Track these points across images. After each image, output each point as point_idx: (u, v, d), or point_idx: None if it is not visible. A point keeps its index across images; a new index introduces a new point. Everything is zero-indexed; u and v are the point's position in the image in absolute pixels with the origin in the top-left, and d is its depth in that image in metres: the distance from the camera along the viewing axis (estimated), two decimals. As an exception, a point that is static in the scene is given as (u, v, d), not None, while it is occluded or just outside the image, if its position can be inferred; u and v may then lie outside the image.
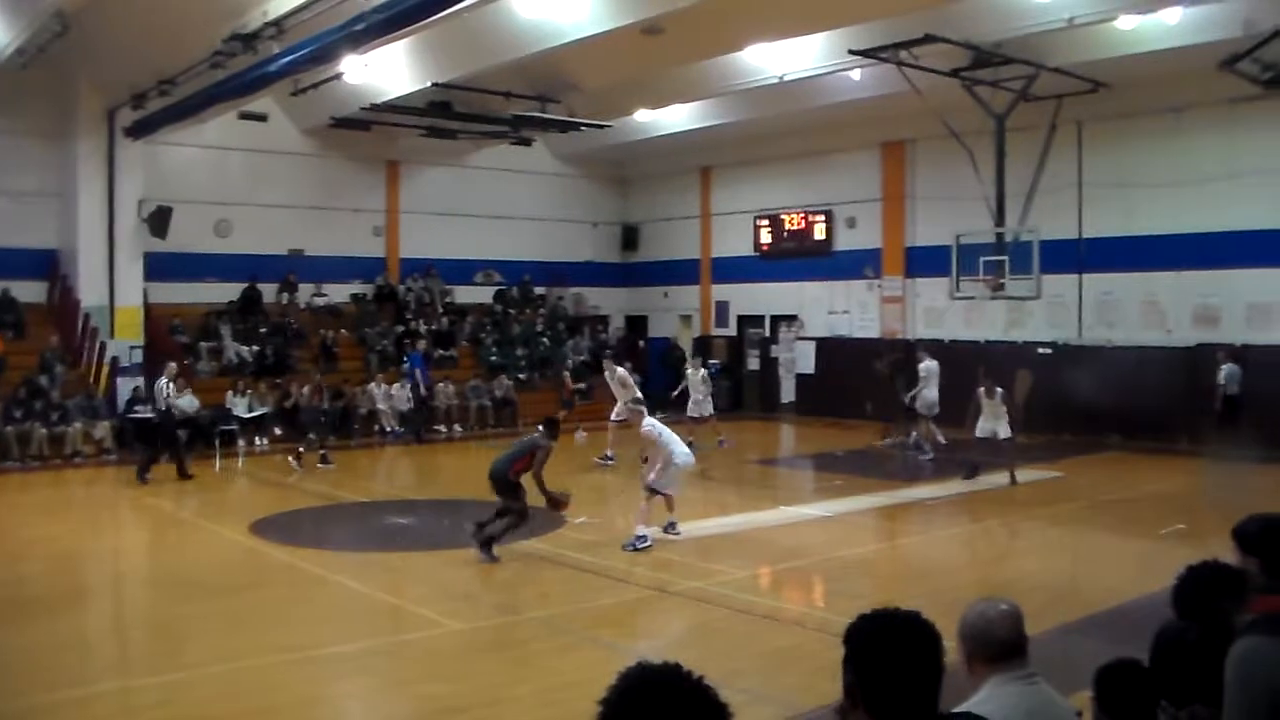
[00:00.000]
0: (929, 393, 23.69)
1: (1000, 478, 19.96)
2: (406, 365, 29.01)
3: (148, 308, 27.24)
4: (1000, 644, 3.89)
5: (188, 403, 22.69)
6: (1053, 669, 4.26)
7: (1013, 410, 20.12)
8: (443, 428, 28.59)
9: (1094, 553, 15.54)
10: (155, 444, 21.31)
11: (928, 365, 23.95)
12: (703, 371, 25.42)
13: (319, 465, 22.24)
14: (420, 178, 33.66)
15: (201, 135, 28.10)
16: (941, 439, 23.71)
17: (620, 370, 23.47)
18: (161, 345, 26.94)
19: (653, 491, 14.97)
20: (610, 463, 22.06)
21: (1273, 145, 23.57)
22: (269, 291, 30.45)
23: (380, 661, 10.12)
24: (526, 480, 14.28)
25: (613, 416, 22.60)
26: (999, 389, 20.06)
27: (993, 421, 19.90)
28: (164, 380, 21.60)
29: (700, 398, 24.77)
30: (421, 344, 30.40)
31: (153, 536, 17.04)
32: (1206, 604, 4.69)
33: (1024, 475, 20.35)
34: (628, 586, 12.84)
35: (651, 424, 15.49)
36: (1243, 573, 4.88)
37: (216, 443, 25.10)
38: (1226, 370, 23.05)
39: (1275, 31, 14.54)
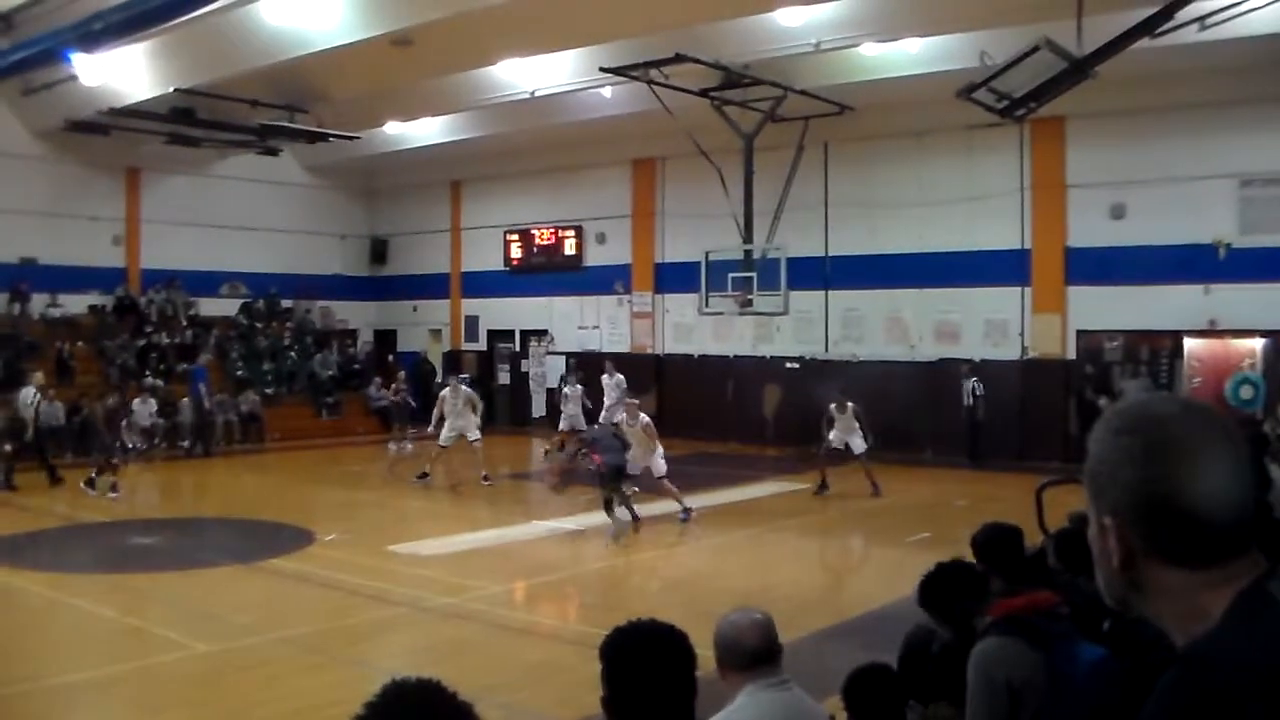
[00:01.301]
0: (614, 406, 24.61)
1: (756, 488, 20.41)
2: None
3: None
4: (750, 653, 3.98)
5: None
6: (807, 675, 4.37)
7: (864, 422, 20.34)
8: (186, 443, 27.68)
9: (845, 561, 16.04)
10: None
11: (618, 379, 24.86)
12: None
13: (110, 494, 20.22)
14: (163, 186, 32.55)
15: (-80, 134, 26.56)
16: None
17: (466, 389, 22.76)
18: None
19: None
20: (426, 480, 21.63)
21: (1008, 170, 24.83)
22: (-3, 302, 29.02)
23: (122, 688, 9.70)
24: None
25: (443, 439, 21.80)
26: (850, 403, 20.36)
27: (845, 434, 20.23)
28: (31, 389, 22.38)
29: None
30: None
31: None
32: (949, 600, 4.92)
33: (775, 487, 20.86)
34: (380, 604, 12.67)
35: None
36: (985, 574, 5.13)
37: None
38: (975, 383, 24.19)
39: (1008, 64, 15.17)
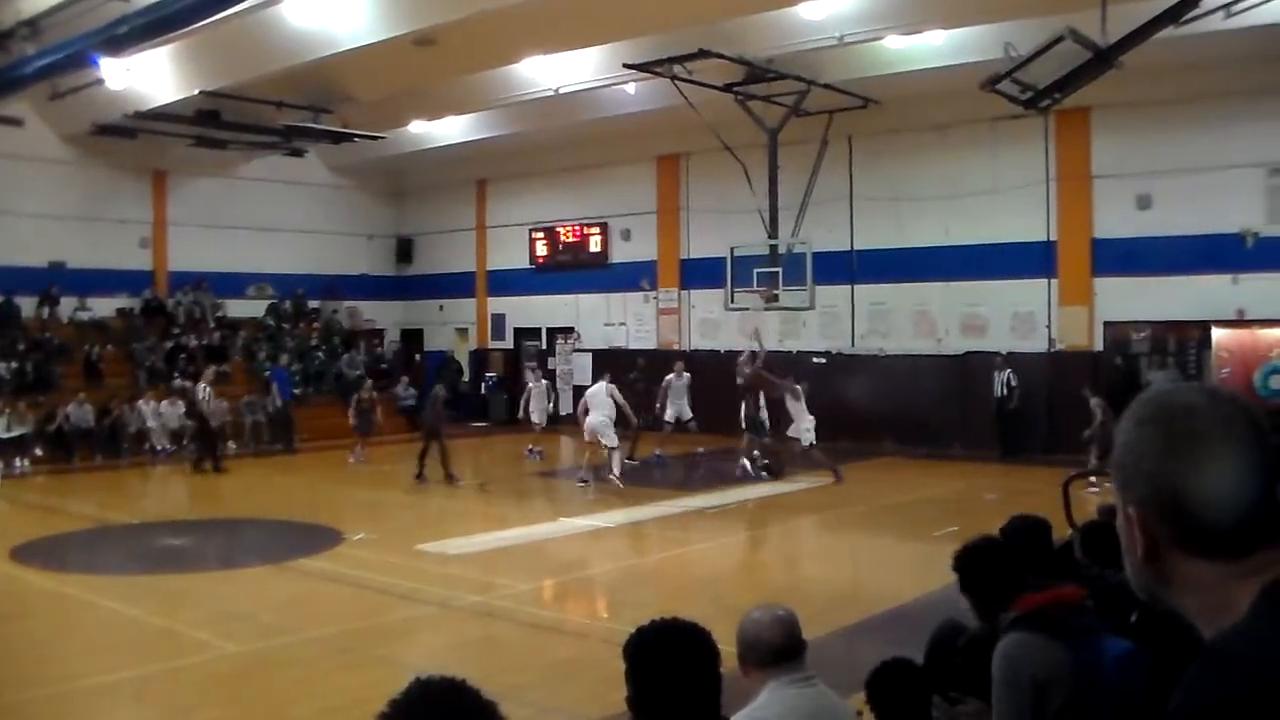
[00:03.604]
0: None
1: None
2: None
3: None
4: (772, 649, 3.98)
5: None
6: (834, 670, 4.37)
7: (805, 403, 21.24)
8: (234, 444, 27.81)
9: (872, 556, 15.96)
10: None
11: (686, 378, 24.80)
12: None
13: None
14: (189, 188, 32.67)
15: (-51, 140, 26.69)
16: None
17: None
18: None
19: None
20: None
21: (1032, 161, 24.71)
22: (28, 305, 29.11)
23: (155, 689, 9.75)
24: None
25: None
26: (798, 386, 21.31)
27: (797, 420, 21.21)
28: (204, 385, 24.65)
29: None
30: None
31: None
32: (985, 573, 4.89)
33: (804, 482, 20.85)
34: (409, 603, 12.71)
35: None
36: (1019, 555, 5.10)
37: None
38: (1009, 375, 24.11)
39: (1032, 55, 15.12)
